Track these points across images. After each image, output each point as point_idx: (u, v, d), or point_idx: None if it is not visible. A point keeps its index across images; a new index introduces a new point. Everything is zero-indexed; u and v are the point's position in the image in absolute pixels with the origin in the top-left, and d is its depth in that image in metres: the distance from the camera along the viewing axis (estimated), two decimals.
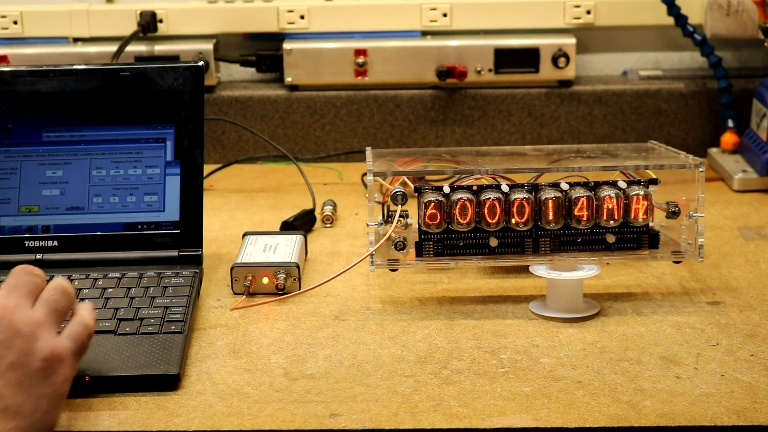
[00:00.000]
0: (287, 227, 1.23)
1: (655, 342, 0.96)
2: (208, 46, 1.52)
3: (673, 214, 1.05)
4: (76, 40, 1.54)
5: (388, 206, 1.06)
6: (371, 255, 1.03)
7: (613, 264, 1.13)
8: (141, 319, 0.96)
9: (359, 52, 1.51)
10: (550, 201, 1.02)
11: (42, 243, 1.08)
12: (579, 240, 1.04)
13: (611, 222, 1.03)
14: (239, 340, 0.97)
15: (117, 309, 0.98)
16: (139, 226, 1.09)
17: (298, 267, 1.07)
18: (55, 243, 1.08)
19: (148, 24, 1.50)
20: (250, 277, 1.07)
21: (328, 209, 1.29)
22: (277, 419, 0.84)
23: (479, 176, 1.05)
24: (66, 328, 0.82)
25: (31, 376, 0.77)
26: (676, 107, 1.54)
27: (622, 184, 1.04)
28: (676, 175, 1.07)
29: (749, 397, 0.86)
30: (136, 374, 0.89)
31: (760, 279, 1.10)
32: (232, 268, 1.07)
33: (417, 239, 1.04)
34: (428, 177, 1.27)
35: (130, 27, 1.51)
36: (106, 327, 0.95)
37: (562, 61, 1.50)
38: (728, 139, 1.48)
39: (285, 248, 1.11)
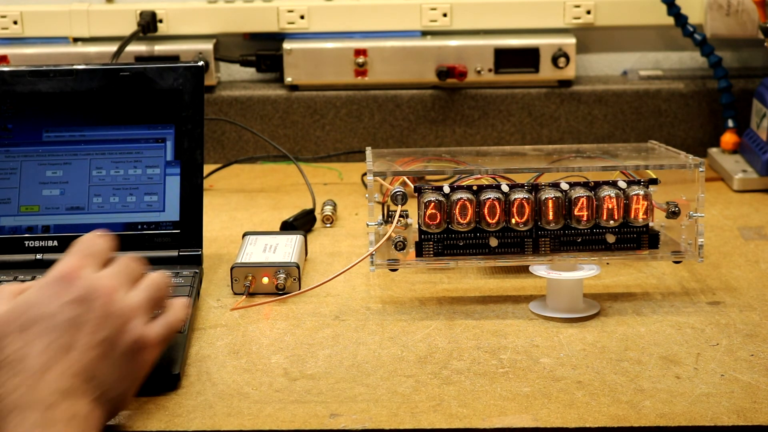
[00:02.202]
0: (287, 227, 1.23)
1: (655, 342, 0.96)
2: (208, 46, 1.52)
3: (673, 214, 1.05)
4: (76, 40, 1.54)
5: (388, 206, 1.06)
6: (371, 255, 1.03)
7: (613, 264, 1.13)
8: None
9: (359, 52, 1.51)
10: (550, 201, 1.02)
11: (42, 243, 1.08)
12: (579, 240, 1.04)
13: (611, 222, 1.03)
14: (239, 340, 0.97)
15: None
16: (139, 226, 1.09)
17: (298, 267, 1.07)
18: (55, 243, 1.08)
19: (148, 24, 1.50)
20: (250, 277, 1.07)
21: (328, 209, 1.29)
22: (277, 419, 0.84)
23: (479, 176, 1.05)
24: (156, 320, 0.86)
25: (118, 354, 0.80)
26: (676, 107, 1.54)
27: (622, 184, 1.04)
28: (676, 175, 1.07)
29: (749, 397, 0.86)
30: None
31: (760, 279, 1.10)
32: (232, 268, 1.07)
33: (417, 239, 1.04)
34: (428, 177, 1.27)
35: (130, 27, 1.51)
36: None
37: (562, 61, 1.50)
38: (728, 139, 1.48)
39: (285, 248, 1.11)
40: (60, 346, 0.78)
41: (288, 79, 1.53)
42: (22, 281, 1.03)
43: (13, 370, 0.76)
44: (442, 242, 1.04)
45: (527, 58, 1.51)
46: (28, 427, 0.73)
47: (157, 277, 0.88)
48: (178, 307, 0.88)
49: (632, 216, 1.03)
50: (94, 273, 0.83)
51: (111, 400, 0.80)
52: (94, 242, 0.86)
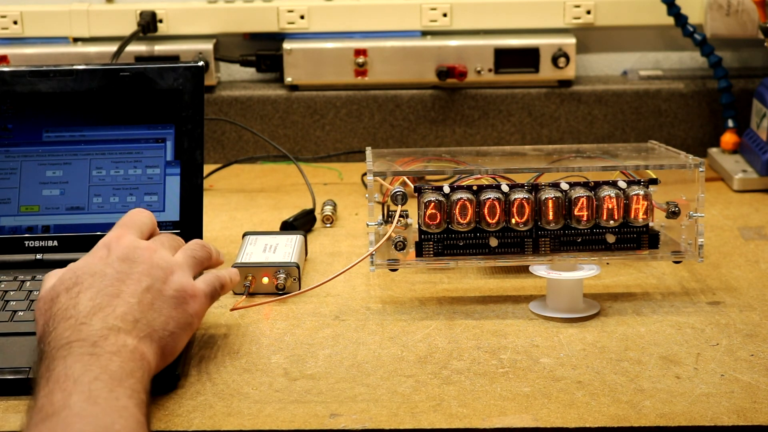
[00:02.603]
0: (287, 227, 1.23)
1: (655, 342, 0.96)
2: (208, 46, 1.52)
3: (673, 214, 1.05)
4: (76, 40, 1.54)
5: (388, 206, 1.06)
6: (371, 255, 1.03)
7: (613, 264, 1.13)
8: None
9: (359, 52, 1.51)
10: (550, 201, 1.02)
11: (42, 243, 1.08)
12: (579, 240, 1.04)
13: (611, 222, 1.03)
14: (239, 340, 0.97)
15: None
16: None
17: (298, 267, 1.07)
18: (55, 243, 1.08)
19: (148, 24, 1.50)
20: (250, 277, 1.07)
21: (328, 209, 1.29)
22: (277, 419, 0.84)
23: (479, 176, 1.05)
24: (202, 276, 0.92)
25: (163, 300, 0.86)
26: (676, 107, 1.54)
27: (622, 184, 1.04)
28: (676, 175, 1.07)
29: (749, 397, 0.86)
30: None
31: (760, 279, 1.10)
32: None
33: (417, 239, 1.04)
34: (428, 177, 1.27)
35: (130, 27, 1.51)
36: None
37: (562, 61, 1.50)
38: (728, 139, 1.48)
39: (285, 248, 1.11)
40: (108, 294, 0.83)
41: (288, 79, 1.53)
42: (22, 281, 1.03)
43: (65, 316, 0.81)
44: (442, 242, 1.04)
45: (527, 58, 1.51)
46: (77, 356, 0.77)
47: (197, 241, 0.95)
48: (224, 271, 0.94)
49: (632, 216, 1.03)
50: (136, 239, 0.89)
51: (160, 340, 0.84)
52: (136, 216, 0.93)
